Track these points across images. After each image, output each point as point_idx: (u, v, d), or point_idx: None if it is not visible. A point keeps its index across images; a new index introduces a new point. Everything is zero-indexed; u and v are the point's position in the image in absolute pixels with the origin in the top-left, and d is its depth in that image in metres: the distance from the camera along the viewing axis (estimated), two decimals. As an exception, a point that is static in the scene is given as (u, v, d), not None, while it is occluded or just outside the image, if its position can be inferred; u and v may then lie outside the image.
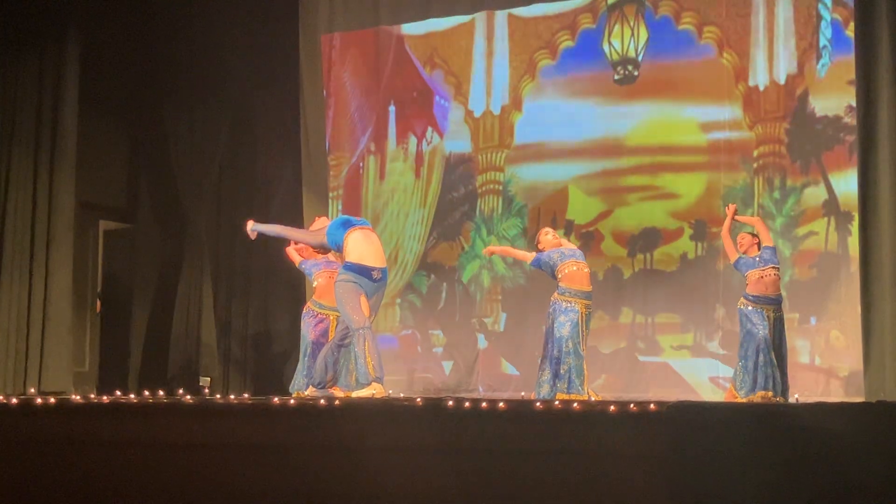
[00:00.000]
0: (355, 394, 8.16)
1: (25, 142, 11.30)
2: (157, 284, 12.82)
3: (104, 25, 12.04)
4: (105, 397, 8.60)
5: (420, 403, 6.45)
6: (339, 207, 12.39)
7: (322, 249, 8.93)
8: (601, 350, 10.93)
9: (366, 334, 8.07)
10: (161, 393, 9.84)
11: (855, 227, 9.85)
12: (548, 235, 9.23)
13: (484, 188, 11.91)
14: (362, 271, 8.17)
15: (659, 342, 10.93)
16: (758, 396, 8.80)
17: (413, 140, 12.28)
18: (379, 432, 6.19)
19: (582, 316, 8.85)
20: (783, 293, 9.22)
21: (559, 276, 8.94)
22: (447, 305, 11.99)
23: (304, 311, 9.37)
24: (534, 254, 9.21)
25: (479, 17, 12.03)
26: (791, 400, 8.89)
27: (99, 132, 12.29)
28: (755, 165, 10.68)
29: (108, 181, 12.67)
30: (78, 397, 8.56)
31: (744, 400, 8.81)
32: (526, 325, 11.36)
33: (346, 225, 8.41)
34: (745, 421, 5.99)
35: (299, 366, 9.24)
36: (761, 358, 8.82)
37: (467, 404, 6.18)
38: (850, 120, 10.09)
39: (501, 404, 6.17)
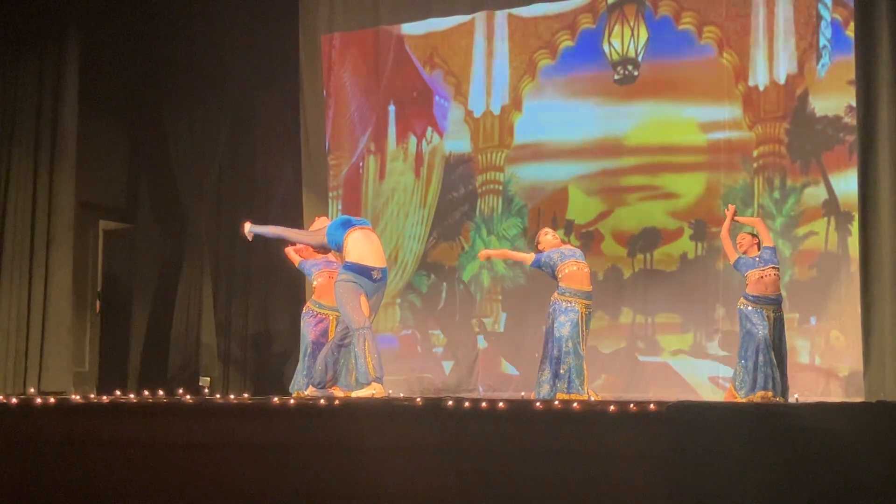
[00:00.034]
0: (355, 393, 8.16)
1: (25, 142, 11.30)
2: (157, 284, 12.82)
3: (104, 25, 12.04)
4: (105, 397, 8.60)
5: (420, 403, 6.45)
6: (339, 207, 12.39)
7: (322, 249, 8.93)
8: (601, 350, 10.93)
9: (366, 334, 8.07)
10: (161, 393, 9.84)
11: (855, 227, 9.85)
12: (547, 236, 9.23)
13: (484, 188, 11.91)
14: (362, 271, 8.17)
15: (659, 342, 10.93)
16: (757, 396, 8.80)
17: (413, 140, 12.28)
18: (379, 432, 6.19)
19: (582, 316, 8.85)
20: (783, 293, 9.22)
21: (559, 276, 8.94)
22: (447, 305, 11.99)
23: (303, 311, 9.37)
24: (532, 255, 9.20)
25: (479, 17, 12.03)
26: (791, 400, 8.89)
27: (99, 132, 12.29)
28: (755, 165, 10.68)
29: (108, 181, 12.67)
30: (78, 397, 8.56)
31: (744, 400, 8.81)
32: (526, 325, 11.35)
33: (347, 225, 8.41)
34: (745, 421, 5.98)
35: (299, 366, 9.24)
36: (761, 358, 8.82)
37: (467, 404, 6.18)
38: (850, 120, 10.09)
39: (501, 404, 6.17)
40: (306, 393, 8.78)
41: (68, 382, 11.30)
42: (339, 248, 8.39)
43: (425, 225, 12.13)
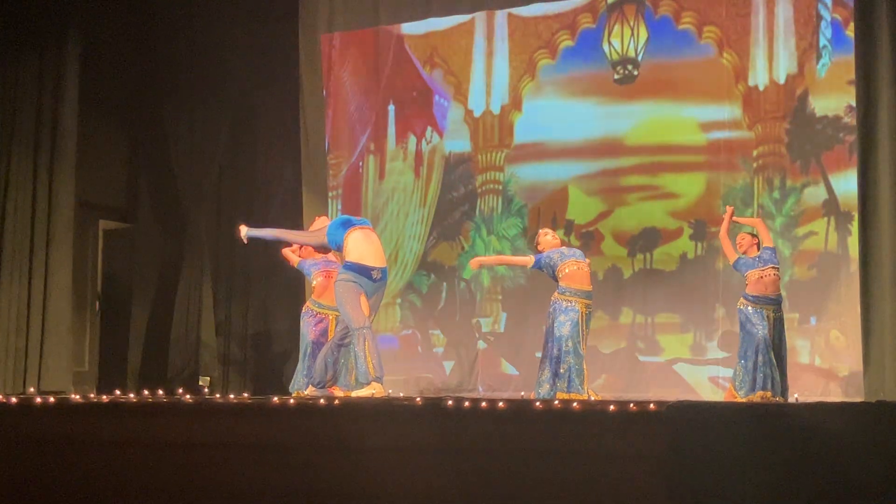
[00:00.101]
0: (355, 393, 8.16)
1: (25, 142, 11.30)
2: (156, 284, 12.82)
3: (104, 25, 12.04)
4: (105, 397, 8.59)
5: (420, 403, 6.45)
6: (339, 207, 12.39)
7: (322, 249, 8.93)
8: (601, 350, 10.93)
9: (366, 334, 8.08)
10: (161, 393, 9.84)
11: (855, 226, 9.85)
12: (547, 236, 9.22)
13: (484, 188, 11.91)
14: (362, 271, 8.17)
15: (659, 342, 10.93)
16: (757, 396, 8.80)
17: (413, 140, 12.28)
18: (379, 432, 6.19)
19: (582, 315, 8.85)
20: (783, 293, 9.22)
21: (559, 275, 8.93)
22: (447, 305, 11.99)
23: (303, 311, 9.36)
24: (531, 257, 9.19)
25: (479, 17, 12.03)
26: (791, 400, 8.89)
27: (99, 132, 12.29)
28: (755, 165, 10.68)
29: (107, 181, 12.67)
30: (77, 397, 8.55)
31: (743, 400, 8.81)
32: (526, 325, 11.35)
33: (347, 225, 8.40)
34: (744, 421, 5.99)
35: (299, 365, 9.24)
36: (760, 358, 8.82)
37: (467, 404, 6.18)
38: (850, 120, 10.08)
39: (501, 404, 6.16)
40: (306, 393, 8.78)
41: (68, 382, 11.30)
42: (339, 248, 8.39)
43: (425, 225, 12.13)
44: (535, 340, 10.54)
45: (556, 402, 6.71)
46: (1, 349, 10.96)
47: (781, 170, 10.57)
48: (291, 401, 6.97)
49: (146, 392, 8.91)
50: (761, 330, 8.86)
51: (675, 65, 11.09)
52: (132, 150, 12.93)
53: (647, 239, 11.08)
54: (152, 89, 12.63)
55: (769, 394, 8.80)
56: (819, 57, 10.41)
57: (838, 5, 10.30)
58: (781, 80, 10.59)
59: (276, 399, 7.23)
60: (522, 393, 10.08)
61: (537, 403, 6.35)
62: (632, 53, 11.27)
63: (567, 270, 8.91)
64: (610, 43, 11.36)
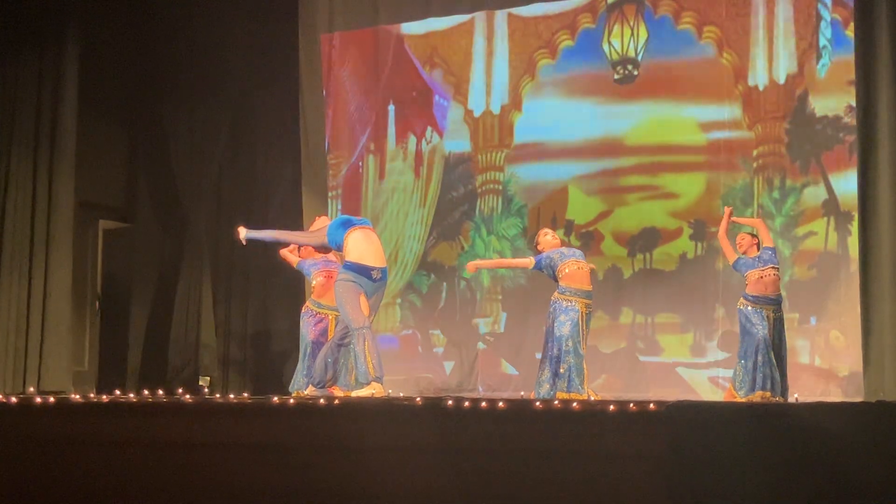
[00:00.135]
0: (355, 393, 8.16)
1: (25, 141, 11.30)
2: (156, 284, 12.82)
3: (104, 25, 12.04)
4: (104, 397, 8.59)
5: (420, 403, 6.44)
6: (339, 207, 12.39)
7: (323, 249, 8.93)
8: (601, 350, 10.93)
9: (365, 334, 8.07)
10: (161, 392, 9.83)
11: (855, 226, 9.85)
12: (547, 236, 9.22)
13: (483, 188, 11.91)
14: (362, 271, 8.17)
15: (659, 342, 10.93)
16: (756, 396, 8.79)
17: (412, 139, 12.27)
18: (379, 432, 6.19)
19: (582, 315, 8.84)
20: (783, 293, 9.22)
21: (559, 275, 8.93)
22: (447, 305, 11.99)
23: (302, 311, 9.36)
24: (531, 259, 9.18)
25: (479, 17, 12.03)
26: (791, 400, 8.89)
27: (98, 132, 12.29)
28: (755, 165, 10.68)
29: (107, 180, 12.67)
30: (77, 397, 8.55)
31: (743, 400, 8.81)
32: (526, 325, 11.35)
33: (347, 224, 8.40)
34: (744, 421, 5.99)
35: (299, 365, 9.24)
36: (760, 358, 8.82)
37: (467, 404, 6.17)
38: (850, 120, 10.08)
39: (501, 404, 6.16)
40: (306, 392, 8.78)
41: (68, 382, 11.30)
42: (339, 248, 8.39)
43: (425, 225, 12.13)
44: (535, 340, 10.54)
45: (556, 402, 6.71)
46: (1, 349, 10.95)
47: (781, 170, 10.57)
48: (291, 401, 6.97)
49: (146, 392, 8.91)
50: (761, 330, 8.86)
51: (675, 65, 11.09)
52: (132, 150, 12.93)
53: (646, 239, 11.08)
54: (152, 89, 12.63)
55: (768, 394, 8.80)
56: (819, 57, 10.41)
57: (838, 5, 10.30)
58: (781, 80, 10.59)
59: (276, 399, 7.23)
60: (522, 393, 10.07)
61: (537, 403, 6.35)
62: (632, 53, 11.27)
63: (567, 270, 8.91)
64: (610, 43, 11.36)
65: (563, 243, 9.38)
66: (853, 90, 9.77)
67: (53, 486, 6.85)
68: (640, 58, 11.25)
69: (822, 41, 10.40)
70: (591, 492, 5.58)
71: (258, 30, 12.48)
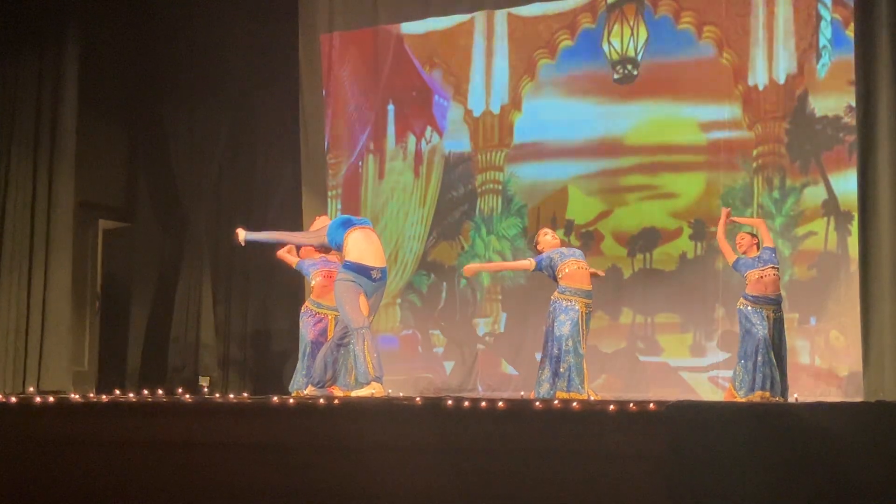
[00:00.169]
0: (355, 393, 8.16)
1: (25, 141, 11.30)
2: (156, 284, 12.83)
3: (104, 25, 12.05)
4: (104, 397, 8.59)
5: (419, 403, 6.44)
6: (339, 207, 12.38)
7: (323, 249, 8.93)
8: (601, 350, 10.92)
9: (365, 334, 8.07)
10: (160, 392, 9.83)
11: (854, 227, 9.85)
12: (546, 236, 9.21)
13: (483, 188, 11.91)
14: (361, 271, 8.16)
15: (659, 342, 10.93)
16: (756, 396, 8.79)
17: (412, 139, 12.27)
18: (378, 432, 6.19)
19: (582, 315, 8.84)
20: (783, 293, 9.22)
21: (559, 275, 8.93)
22: (447, 305, 11.98)
23: (302, 311, 9.36)
24: (530, 261, 9.16)
25: (479, 17, 12.03)
26: (791, 400, 8.89)
27: (98, 131, 12.29)
28: (755, 165, 10.68)
29: (107, 180, 12.67)
30: (77, 396, 8.55)
31: (743, 400, 8.81)
32: (526, 326, 11.35)
33: (347, 224, 8.40)
34: (744, 421, 5.99)
35: (298, 365, 9.23)
36: (760, 358, 8.82)
37: (466, 404, 6.17)
38: (850, 120, 10.08)
39: (501, 404, 6.16)
40: (306, 392, 8.77)
41: (67, 382, 11.30)
42: (339, 248, 8.39)
43: (425, 224, 12.13)
44: (535, 340, 10.54)
45: (556, 401, 6.71)
46: (1, 349, 10.95)
47: (781, 170, 10.57)
48: (291, 401, 6.96)
49: (146, 392, 8.91)
50: (761, 330, 8.86)
51: (675, 64, 11.09)
52: (132, 150, 12.94)
53: (646, 239, 11.08)
54: (152, 89, 12.63)
55: (767, 394, 8.80)
56: (819, 57, 10.41)
57: (838, 5, 10.30)
58: (781, 80, 10.59)
59: (275, 399, 7.23)
60: (522, 393, 10.07)
61: (537, 403, 6.35)
62: (631, 53, 11.27)
63: (567, 270, 8.90)
64: (610, 43, 11.36)
65: (562, 243, 9.37)
66: (853, 90, 9.77)
67: (53, 486, 6.85)
68: (639, 58, 11.24)
69: (822, 41, 10.39)
70: (591, 492, 5.58)
71: (258, 30, 12.48)
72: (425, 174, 12.17)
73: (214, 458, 6.49)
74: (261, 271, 12.40)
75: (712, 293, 10.65)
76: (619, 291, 11.09)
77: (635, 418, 5.65)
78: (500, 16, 11.91)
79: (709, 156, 10.87)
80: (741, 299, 9.03)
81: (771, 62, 10.64)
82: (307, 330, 9.20)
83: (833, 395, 9.96)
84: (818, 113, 10.42)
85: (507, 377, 11.55)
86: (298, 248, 9.49)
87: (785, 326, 9.10)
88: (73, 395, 9.39)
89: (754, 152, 10.69)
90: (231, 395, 10.65)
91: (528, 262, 9.19)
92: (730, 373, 9.36)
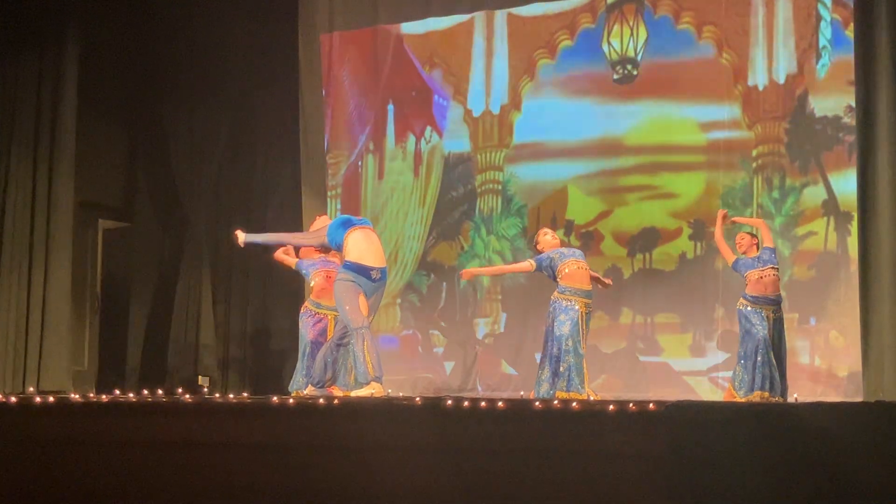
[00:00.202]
0: (354, 393, 8.17)
1: (25, 141, 11.31)
2: (156, 283, 12.83)
3: (104, 25, 12.05)
4: (104, 396, 8.59)
5: (419, 403, 6.45)
6: (338, 207, 12.38)
7: (324, 249, 8.93)
8: (601, 350, 10.92)
9: (364, 334, 8.08)
10: (160, 392, 9.84)
11: (854, 227, 9.84)
12: (546, 236, 9.22)
13: (483, 188, 11.91)
14: (361, 271, 8.17)
15: (659, 342, 10.93)
16: (756, 396, 8.80)
17: (412, 139, 12.27)
18: (378, 432, 6.19)
19: (582, 315, 8.84)
20: (782, 293, 9.22)
21: (559, 275, 8.93)
22: (447, 305, 11.98)
23: (301, 311, 9.36)
24: (530, 262, 9.15)
25: (479, 17, 12.02)
26: (790, 400, 8.89)
27: (98, 131, 12.29)
28: (754, 165, 10.68)
29: (107, 180, 12.67)
30: (77, 396, 8.55)
31: (742, 400, 8.81)
32: (526, 326, 11.35)
33: (347, 224, 8.41)
34: (744, 421, 5.98)
35: (298, 365, 9.24)
36: (760, 358, 8.83)
37: (466, 404, 6.18)
38: (850, 120, 10.08)
39: (501, 404, 6.16)
40: (305, 392, 8.78)
41: (67, 381, 11.30)
42: (339, 248, 8.40)
43: (424, 224, 12.13)
44: (534, 341, 10.54)
45: (556, 401, 6.71)
46: (1, 349, 10.96)
47: (781, 170, 10.57)
48: (291, 401, 6.97)
49: (146, 392, 8.91)
50: (761, 330, 8.86)
51: (675, 65, 11.09)
52: (132, 150, 12.94)
53: (646, 239, 11.08)
54: (152, 89, 12.64)
55: (767, 394, 8.80)
56: (819, 57, 10.41)
57: (838, 5, 10.30)
58: (781, 80, 10.59)
59: (275, 399, 7.23)
60: (522, 393, 10.07)
61: (537, 403, 6.35)
62: (631, 53, 11.27)
63: (567, 270, 8.90)
64: (609, 43, 11.36)
65: (562, 243, 9.37)
66: (853, 90, 9.77)
67: (53, 486, 6.85)
68: (639, 58, 11.24)
69: (822, 41, 10.39)
70: (591, 492, 5.59)
71: (258, 30, 12.48)
72: (425, 174, 12.17)
73: (214, 458, 6.49)
74: (261, 271, 12.41)
75: (712, 293, 10.65)
76: (619, 291, 11.07)
77: (635, 418, 5.65)
78: (500, 16, 11.91)
79: (708, 156, 10.86)
80: (741, 299, 9.03)
81: (771, 62, 10.64)
82: (307, 330, 9.20)
83: (833, 396, 9.96)
84: (818, 113, 10.42)
85: (506, 377, 11.55)
86: (297, 248, 9.50)
87: (785, 326, 9.10)
88: (72, 395, 9.40)
89: (754, 152, 10.70)
90: (231, 395, 10.66)
91: (529, 264, 9.18)
92: (729, 373, 9.36)
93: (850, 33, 9.98)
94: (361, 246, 8.25)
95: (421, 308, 12.08)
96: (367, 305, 8.20)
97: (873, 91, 9.33)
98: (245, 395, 10.54)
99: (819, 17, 10.42)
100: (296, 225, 11.78)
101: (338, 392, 8.50)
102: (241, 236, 8.76)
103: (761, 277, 8.96)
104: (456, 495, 5.86)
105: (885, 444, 6.15)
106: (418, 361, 11.99)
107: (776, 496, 5.65)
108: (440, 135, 12.14)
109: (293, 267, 9.53)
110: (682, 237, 10.92)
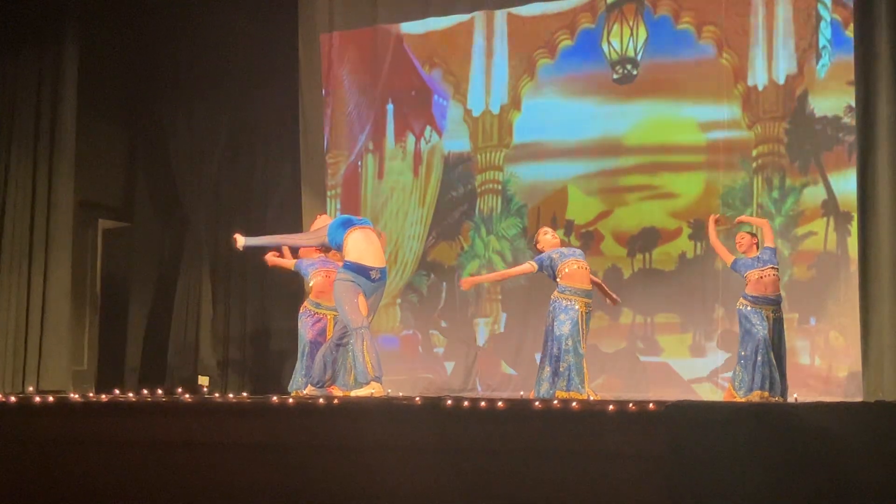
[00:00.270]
0: (354, 393, 8.17)
1: (24, 141, 11.31)
2: (156, 283, 12.83)
3: (103, 25, 12.05)
4: (104, 396, 8.59)
5: (419, 402, 6.44)
6: (338, 206, 12.38)
7: (324, 248, 8.93)
8: (601, 350, 10.92)
9: (364, 333, 8.08)
10: (160, 392, 9.83)
11: (854, 227, 9.84)
12: (546, 235, 9.21)
13: (483, 187, 11.90)
14: (361, 271, 8.17)
15: (659, 342, 10.92)
16: (755, 396, 8.79)
17: (412, 139, 12.27)
18: (378, 431, 6.19)
19: (582, 314, 8.84)
20: (782, 293, 9.22)
21: (559, 275, 8.92)
22: (447, 305, 11.98)
23: (300, 311, 9.36)
24: (531, 264, 9.13)
25: (479, 16, 12.02)
26: (790, 400, 8.89)
27: (98, 131, 12.29)
28: (754, 165, 10.68)
29: (107, 180, 12.67)
30: (76, 396, 8.55)
31: (742, 400, 8.81)
32: (526, 326, 11.35)
33: (347, 224, 8.41)
34: (744, 421, 5.99)
35: (298, 365, 9.24)
36: (760, 358, 8.82)
37: (466, 404, 6.17)
38: (850, 120, 10.08)
39: (500, 404, 6.16)
40: (305, 392, 8.77)
41: (67, 381, 11.31)
42: (339, 248, 8.40)
43: (424, 224, 12.12)
44: (534, 341, 10.53)
45: (556, 401, 6.71)
46: (0, 348, 10.95)
47: (781, 170, 10.56)
48: (290, 401, 6.96)
49: (145, 391, 8.91)
50: (761, 330, 8.86)
51: (675, 65, 11.09)
52: (131, 150, 12.94)
53: (646, 239, 11.07)
54: (151, 88, 12.64)
55: (766, 394, 8.80)
56: (819, 57, 10.41)
57: (838, 5, 10.30)
58: (781, 81, 10.59)
59: (275, 399, 7.23)
60: (522, 393, 10.07)
61: (537, 403, 6.35)
62: (631, 53, 11.27)
63: (567, 270, 8.90)
64: (609, 43, 11.35)
65: (562, 243, 9.37)
66: (853, 90, 9.76)
67: (53, 486, 6.85)
68: (639, 57, 11.24)
69: (822, 41, 10.39)
70: (591, 492, 5.59)
71: (258, 29, 12.48)
72: (425, 174, 12.16)
73: (214, 458, 6.50)
74: (260, 271, 12.36)
75: (712, 293, 10.65)
76: (619, 291, 11.02)
77: (635, 418, 5.65)
78: (500, 16, 11.90)
79: (708, 156, 10.86)
80: (741, 299, 9.03)
81: (770, 62, 10.64)
82: (306, 330, 9.20)
83: (833, 395, 9.96)
84: (818, 113, 10.42)
85: (506, 377, 11.54)
86: (295, 249, 9.48)
87: (784, 326, 9.10)
88: (72, 395, 9.39)
89: (754, 152, 10.69)
90: (231, 395, 10.65)
91: (529, 266, 9.15)
92: (729, 373, 9.36)
93: (850, 33, 9.97)
94: (361, 246, 8.25)
95: (421, 308, 12.07)
96: (367, 305, 8.20)
97: (873, 91, 9.32)
98: (245, 395, 10.54)
99: (819, 18, 10.42)
100: (296, 225, 11.77)
101: (337, 392, 8.50)
102: (241, 240, 8.73)
103: (761, 277, 8.96)
104: (456, 495, 5.86)
105: (885, 444, 6.15)
106: (418, 361, 11.98)
107: (776, 496, 5.66)
108: (440, 134, 12.14)
109: (291, 268, 9.52)
110: (682, 237, 10.92)
